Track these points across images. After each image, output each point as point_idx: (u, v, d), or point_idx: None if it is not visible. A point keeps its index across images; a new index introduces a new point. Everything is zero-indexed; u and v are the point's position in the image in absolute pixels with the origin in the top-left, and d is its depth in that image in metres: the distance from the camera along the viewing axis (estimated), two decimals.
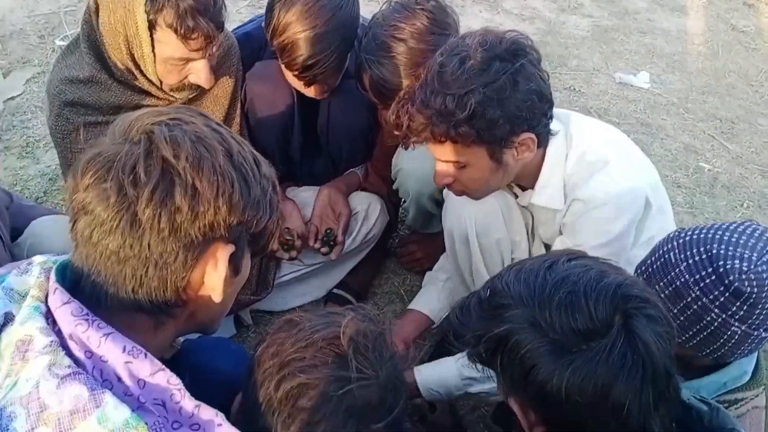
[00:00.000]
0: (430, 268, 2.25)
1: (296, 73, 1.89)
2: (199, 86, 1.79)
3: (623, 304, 1.00)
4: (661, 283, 1.31)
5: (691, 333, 1.30)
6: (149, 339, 0.97)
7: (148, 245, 0.90)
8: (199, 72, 1.71)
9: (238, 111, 2.00)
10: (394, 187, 2.22)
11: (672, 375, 1.04)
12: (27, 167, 2.59)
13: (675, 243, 1.32)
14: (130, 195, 0.88)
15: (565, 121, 1.69)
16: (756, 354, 1.40)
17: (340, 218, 2.17)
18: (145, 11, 1.57)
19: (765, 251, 1.24)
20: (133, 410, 0.86)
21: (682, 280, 1.28)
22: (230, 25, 1.97)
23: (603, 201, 1.61)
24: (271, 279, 2.11)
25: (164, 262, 0.92)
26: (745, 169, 3.30)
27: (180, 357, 1.26)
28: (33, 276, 0.97)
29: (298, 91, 2.04)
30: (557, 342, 1.00)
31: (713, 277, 1.24)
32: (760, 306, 1.24)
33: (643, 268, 1.38)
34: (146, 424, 0.86)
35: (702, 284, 1.26)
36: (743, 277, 1.22)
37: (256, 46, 2.07)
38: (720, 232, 1.28)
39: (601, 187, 1.62)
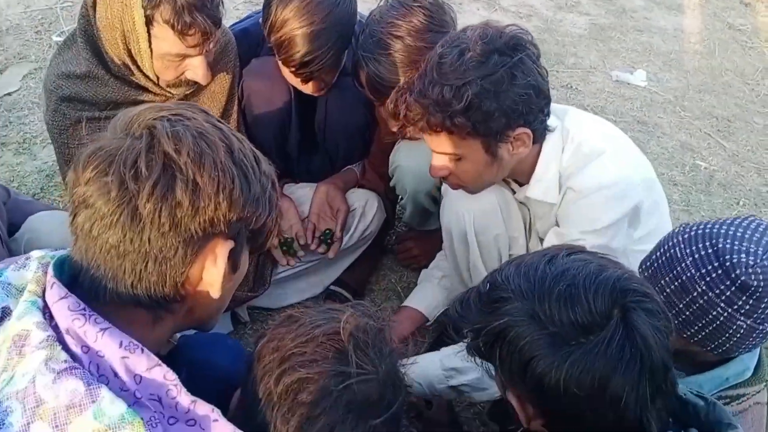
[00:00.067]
0: (427, 266, 2.26)
1: (293, 69, 1.89)
2: (195, 82, 1.78)
3: (622, 298, 1.01)
4: (667, 278, 1.32)
5: (696, 327, 1.30)
6: (147, 334, 0.97)
7: (148, 240, 0.90)
8: (196, 68, 1.71)
9: (236, 107, 2.00)
10: (391, 184, 2.22)
11: (669, 369, 1.05)
12: (24, 163, 2.58)
13: (680, 238, 1.32)
14: (131, 189, 0.89)
15: (562, 116, 1.70)
16: (758, 350, 1.40)
17: (338, 215, 2.17)
18: (143, 7, 1.57)
19: None
20: (129, 405, 0.86)
21: (688, 274, 1.28)
22: (228, 22, 1.98)
23: (595, 189, 1.62)
24: (268, 276, 2.11)
25: (164, 256, 0.92)
26: (741, 167, 3.30)
27: (177, 353, 1.26)
28: (30, 271, 0.97)
29: (295, 88, 2.04)
30: (556, 335, 1.01)
31: (719, 272, 1.25)
32: (766, 300, 1.24)
33: (648, 263, 1.39)
34: (142, 419, 0.86)
35: (708, 278, 1.26)
36: (750, 271, 1.23)
37: (254, 42, 2.07)
38: (725, 227, 1.28)
39: (594, 176, 1.62)
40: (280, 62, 1.92)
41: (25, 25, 3.29)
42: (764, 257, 1.23)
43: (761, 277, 1.22)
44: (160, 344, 1.04)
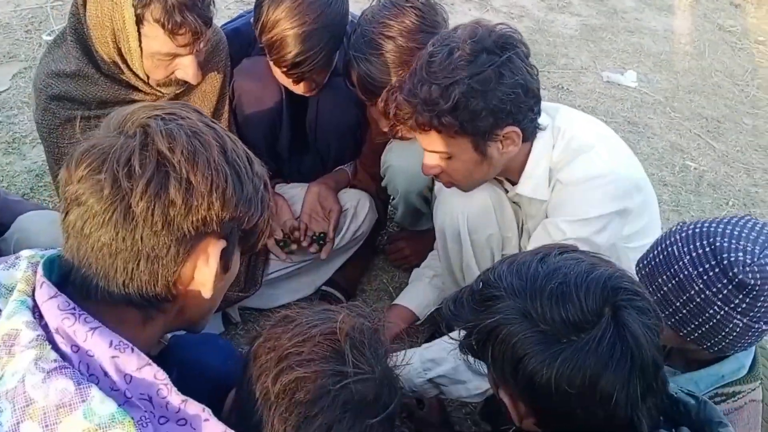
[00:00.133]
0: (419, 266, 2.26)
1: (285, 70, 1.88)
2: (186, 82, 1.78)
3: (613, 296, 1.02)
4: (665, 276, 1.32)
5: (693, 326, 1.31)
6: (138, 333, 0.97)
7: (141, 238, 0.90)
8: (186, 68, 1.71)
9: (227, 107, 1.99)
10: (383, 184, 2.22)
11: (660, 367, 1.05)
12: (13, 163, 2.57)
13: (678, 236, 1.33)
14: (124, 187, 0.88)
15: (553, 115, 1.70)
16: (753, 348, 1.41)
17: (331, 215, 2.17)
18: (133, 5, 1.57)
19: (766, 244, 1.26)
20: (119, 405, 0.86)
21: (686, 272, 1.29)
22: (219, 21, 1.97)
23: (582, 180, 1.62)
24: (259, 276, 2.11)
25: (156, 255, 0.92)
26: (730, 168, 3.33)
27: (167, 353, 1.26)
28: (20, 270, 0.97)
29: (286, 88, 2.04)
30: (547, 333, 1.02)
31: (717, 270, 1.25)
32: (762, 298, 1.25)
33: (646, 261, 1.39)
34: (132, 418, 0.86)
35: (705, 277, 1.27)
36: (747, 269, 1.23)
37: (245, 42, 2.07)
38: (722, 226, 1.29)
39: (581, 168, 1.63)
40: (271, 62, 1.92)
41: (15, 24, 3.27)
42: (761, 256, 1.24)
43: (758, 275, 1.23)
44: (150, 344, 1.04)
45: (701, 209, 3.03)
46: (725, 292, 1.25)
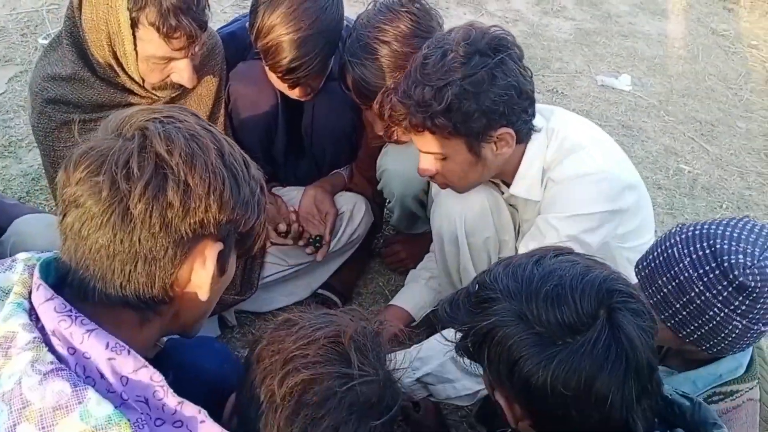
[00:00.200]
0: (415, 268, 2.26)
1: (280, 75, 1.88)
2: (181, 85, 1.77)
3: (608, 299, 1.02)
4: (665, 278, 1.32)
5: (692, 327, 1.31)
6: (134, 336, 0.97)
7: (139, 240, 0.90)
8: (181, 71, 1.71)
9: (222, 111, 2.00)
10: (379, 187, 2.23)
11: (654, 369, 1.06)
12: (9, 167, 2.56)
13: (678, 238, 1.33)
14: (122, 189, 0.89)
15: (548, 117, 1.72)
16: (750, 348, 1.42)
17: (327, 218, 2.17)
18: (128, 9, 1.56)
19: (766, 246, 1.26)
20: (116, 407, 0.86)
21: (686, 274, 1.29)
22: (215, 25, 1.97)
23: (573, 177, 1.63)
24: (255, 279, 2.11)
25: (153, 257, 0.92)
26: (724, 171, 3.34)
27: (164, 356, 1.26)
28: (17, 273, 0.97)
29: (282, 92, 2.04)
30: (543, 335, 1.02)
31: (717, 272, 1.26)
32: (761, 300, 1.25)
33: (645, 263, 1.39)
34: (129, 420, 0.86)
35: (706, 279, 1.27)
36: (747, 272, 1.23)
37: (241, 46, 2.07)
38: (722, 228, 1.29)
39: (572, 167, 1.64)
40: (266, 68, 1.92)
41: (11, 27, 3.27)
42: (761, 258, 1.24)
43: (758, 278, 1.23)
44: (147, 347, 1.04)
45: (695, 212, 3.05)
46: (725, 294, 1.26)
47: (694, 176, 3.27)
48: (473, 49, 1.52)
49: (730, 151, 3.49)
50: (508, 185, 1.79)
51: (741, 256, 1.24)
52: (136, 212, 0.89)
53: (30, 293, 0.94)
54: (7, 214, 1.73)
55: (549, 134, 1.68)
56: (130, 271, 0.92)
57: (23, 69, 3.02)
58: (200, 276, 0.98)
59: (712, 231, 1.29)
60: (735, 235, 1.27)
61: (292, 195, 2.24)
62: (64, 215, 0.93)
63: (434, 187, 2.00)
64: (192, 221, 0.93)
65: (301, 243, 2.14)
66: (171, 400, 0.92)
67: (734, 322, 1.27)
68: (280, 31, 1.79)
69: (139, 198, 0.89)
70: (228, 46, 2.00)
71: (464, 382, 1.75)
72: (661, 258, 1.35)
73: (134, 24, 1.59)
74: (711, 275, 1.26)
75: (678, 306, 1.31)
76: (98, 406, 0.85)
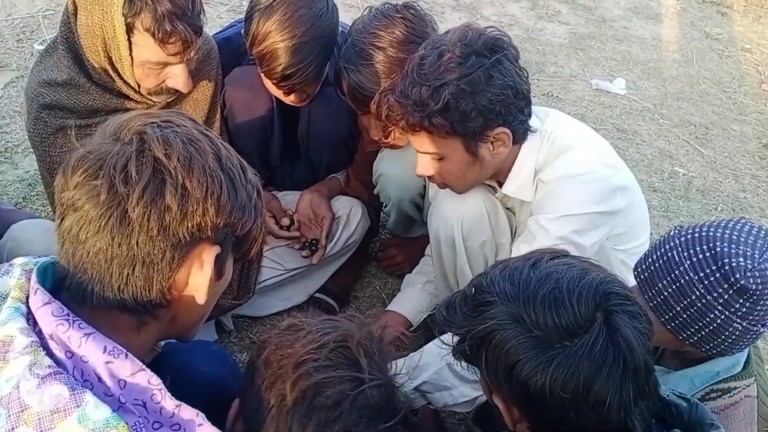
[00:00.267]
0: (411, 272, 2.27)
1: (275, 82, 1.89)
2: (177, 90, 1.78)
3: (605, 301, 1.03)
4: (665, 281, 1.33)
5: (693, 330, 1.31)
6: (132, 339, 0.97)
7: (137, 244, 0.91)
8: (177, 76, 1.71)
9: (218, 115, 2.00)
10: (375, 191, 2.23)
11: (651, 370, 1.06)
12: (5, 173, 2.56)
13: (677, 241, 1.33)
14: (120, 193, 0.89)
15: (543, 118, 1.72)
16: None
17: (323, 222, 2.17)
18: (123, 14, 1.57)
19: (766, 248, 1.27)
20: (113, 410, 0.86)
21: (687, 278, 1.29)
22: (210, 30, 1.98)
23: (563, 177, 1.63)
24: (252, 284, 2.11)
25: (151, 261, 0.92)
26: (718, 174, 3.36)
27: (161, 360, 1.26)
28: (14, 277, 0.97)
29: (277, 98, 2.05)
30: (541, 338, 1.02)
31: (717, 275, 1.26)
32: (761, 303, 1.26)
33: (645, 266, 1.39)
34: (127, 424, 0.86)
35: (706, 282, 1.27)
36: (748, 274, 1.24)
37: (236, 51, 2.07)
38: (721, 230, 1.30)
39: (562, 167, 1.64)
40: (262, 74, 1.93)
41: (7, 33, 3.27)
42: (761, 260, 1.25)
43: (759, 280, 1.24)
44: (144, 350, 1.04)
45: (691, 215, 3.06)
46: (726, 297, 1.26)
47: (689, 179, 3.28)
48: (470, 49, 1.53)
49: (724, 153, 3.51)
50: (503, 186, 1.79)
51: (741, 259, 1.25)
52: (134, 216, 0.89)
53: (27, 297, 0.94)
54: (4, 220, 1.72)
55: (543, 136, 1.69)
56: (127, 274, 0.92)
57: (19, 74, 3.01)
58: (198, 279, 0.98)
59: (711, 234, 1.30)
60: (734, 237, 1.28)
61: (288, 199, 2.24)
62: (62, 219, 0.93)
63: (431, 191, 2.00)
64: (190, 225, 0.93)
65: (296, 247, 2.14)
66: (169, 403, 0.92)
67: (735, 324, 1.28)
68: (276, 38, 1.80)
69: (137, 201, 0.89)
70: (223, 52, 2.01)
71: (462, 389, 1.74)
72: (660, 261, 1.35)
73: (129, 29, 1.59)
74: (712, 278, 1.27)
75: (678, 309, 1.31)
76: (96, 410, 0.85)
